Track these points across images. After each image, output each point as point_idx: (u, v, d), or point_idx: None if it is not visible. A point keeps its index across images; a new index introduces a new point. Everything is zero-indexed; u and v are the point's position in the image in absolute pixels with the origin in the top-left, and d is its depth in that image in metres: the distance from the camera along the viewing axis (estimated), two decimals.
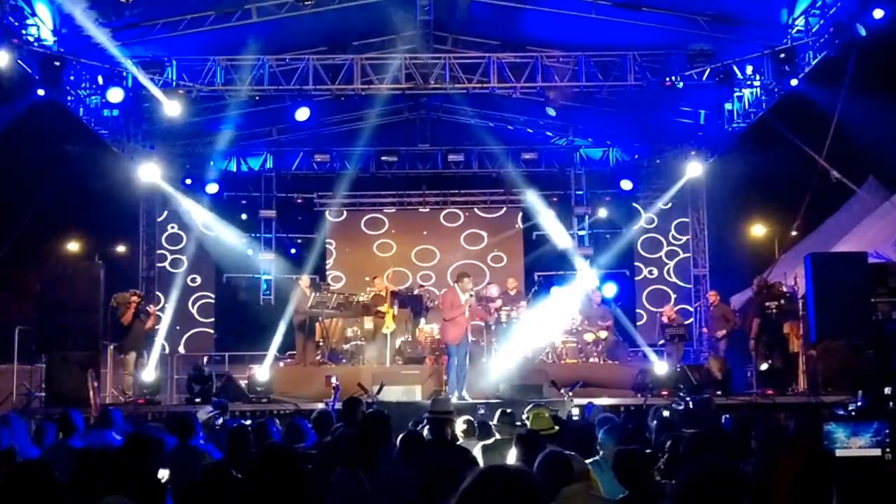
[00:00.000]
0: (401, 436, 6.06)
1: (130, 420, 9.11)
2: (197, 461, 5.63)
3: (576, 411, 10.02)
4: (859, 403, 9.57)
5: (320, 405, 10.43)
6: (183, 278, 16.91)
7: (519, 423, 6.94)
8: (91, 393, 10.00)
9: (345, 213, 19.25)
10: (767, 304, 13.52)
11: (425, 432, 6.67)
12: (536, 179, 18.56)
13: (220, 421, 7.52)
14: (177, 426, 6.33)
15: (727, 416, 8.74)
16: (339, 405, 8.59)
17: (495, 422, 7.00)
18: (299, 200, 19.14)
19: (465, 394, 12.24)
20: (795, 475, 2.66)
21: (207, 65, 14.00)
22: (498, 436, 6.76)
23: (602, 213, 18.97)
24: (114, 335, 13.62)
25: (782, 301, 13.74)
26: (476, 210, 19.64)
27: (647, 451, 5.36)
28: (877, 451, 4.93)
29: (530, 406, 7.04)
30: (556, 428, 6.64)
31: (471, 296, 12.77)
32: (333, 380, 10.77)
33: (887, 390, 10.45)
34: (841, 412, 9.56)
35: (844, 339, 12.26)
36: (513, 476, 2.32)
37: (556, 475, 4.36)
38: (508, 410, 7.04)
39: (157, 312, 15.13)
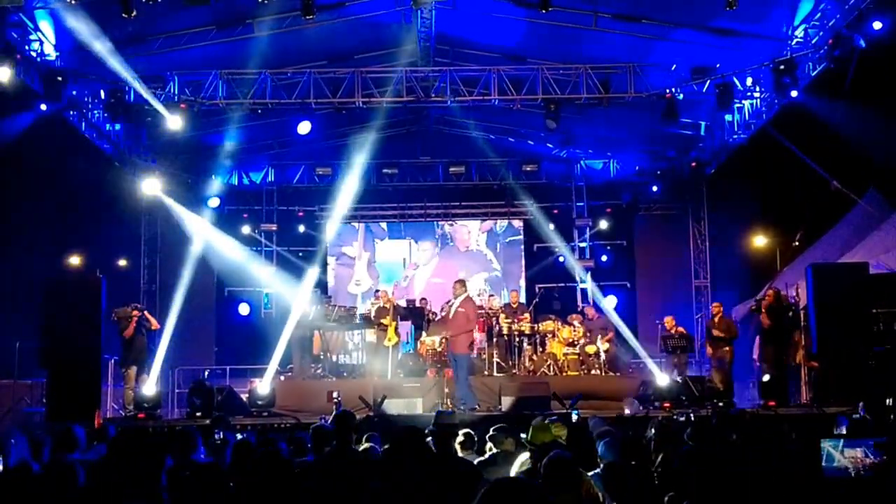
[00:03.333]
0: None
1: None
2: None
3: (574, 416, 10.02)
4: (861, 415, 9.54)
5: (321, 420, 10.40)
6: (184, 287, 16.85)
7: (524, 437, 6.90)
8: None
9: (346, 225, 19.30)
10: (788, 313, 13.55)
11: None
12: (537, 191, 18.61)
13: (221, 435, 7.48)
14: (178, 441, 6.31)
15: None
16: None
17: (490, 434, 6.96)
18: (300, 213, 19.18)
19: (462, 407, 12.27)
20: (794, 491, 2.67)
21: (209, 79, 14.06)
22: (496, 449, 6.73)
23: (602, 224, 18.98)
24: (115, 349, 13.61)
25: (790, 312, 13.74)
26: (477, 222, 19.68)
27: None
28: (880, 465, 4.91)
29: (538, 419, 6.99)
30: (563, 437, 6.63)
31: (455, 300, 12.78)
32: (335, 395, 10.70)
33: (889, 401, 10.45)
34: (844, 424, 9.53)
35: (846, 349, 12.23)
36: (521, 490, 2.36)
37: (560, 476, 4.48)
38: (503, 424, 7.00)
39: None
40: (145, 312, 14.06)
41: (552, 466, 4.50)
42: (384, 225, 19.66)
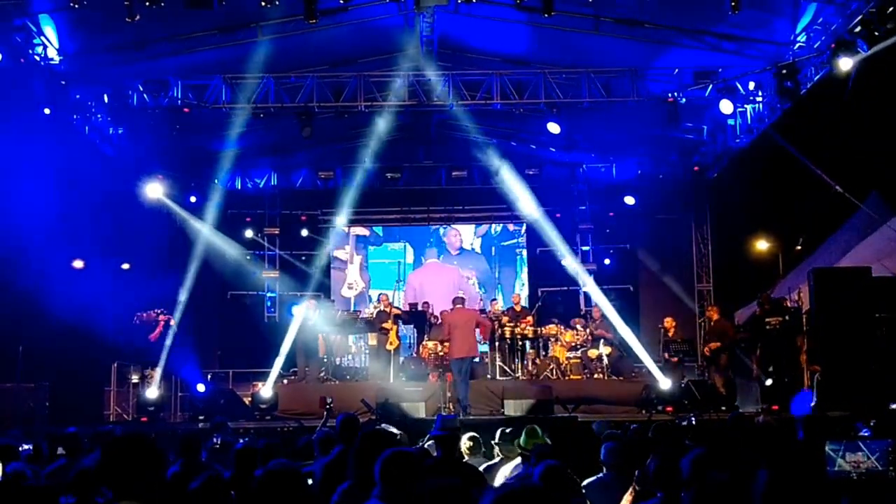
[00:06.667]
0: None
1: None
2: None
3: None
4: (868, 424, 9.49)
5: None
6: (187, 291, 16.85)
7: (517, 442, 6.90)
8: None
9: (349, 229, 19.31)
10: (767, 319, 13.48)
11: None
12: (540, 195, 18.59)
13: (219, 440, 7.43)
14: (181, 445, 6.31)
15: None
16: (330, 424, 8.38)
17: (496, 441, 6.95)
18: (303, 217, 19.18)
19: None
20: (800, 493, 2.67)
21: (212, 83, 14.07)
22: (501, 455, 6.73)
23: (605, 228, 19.00)
24: (139, 353, 13.64)
25: (786, 317, 13.67)
26: (480, 226, 19.68)
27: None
28: (881, 469, 4.89)
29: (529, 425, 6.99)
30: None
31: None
32: (328, 401, 10.46)
33: (894, 406, 10.43)
34: (860, 430, 9.49)
35: (849, 354, 12.21)
36: (536, 495, 2.39)
37: (556, 485, 4.51)
38: (508, 430, 6.98)
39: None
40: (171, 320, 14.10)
41: (548, 477, 4.49)
42: (378, 229, 19.64)
